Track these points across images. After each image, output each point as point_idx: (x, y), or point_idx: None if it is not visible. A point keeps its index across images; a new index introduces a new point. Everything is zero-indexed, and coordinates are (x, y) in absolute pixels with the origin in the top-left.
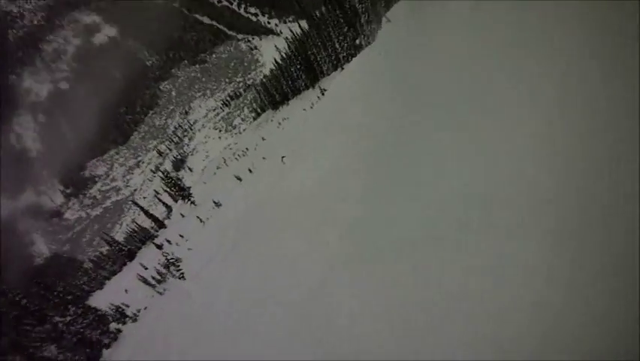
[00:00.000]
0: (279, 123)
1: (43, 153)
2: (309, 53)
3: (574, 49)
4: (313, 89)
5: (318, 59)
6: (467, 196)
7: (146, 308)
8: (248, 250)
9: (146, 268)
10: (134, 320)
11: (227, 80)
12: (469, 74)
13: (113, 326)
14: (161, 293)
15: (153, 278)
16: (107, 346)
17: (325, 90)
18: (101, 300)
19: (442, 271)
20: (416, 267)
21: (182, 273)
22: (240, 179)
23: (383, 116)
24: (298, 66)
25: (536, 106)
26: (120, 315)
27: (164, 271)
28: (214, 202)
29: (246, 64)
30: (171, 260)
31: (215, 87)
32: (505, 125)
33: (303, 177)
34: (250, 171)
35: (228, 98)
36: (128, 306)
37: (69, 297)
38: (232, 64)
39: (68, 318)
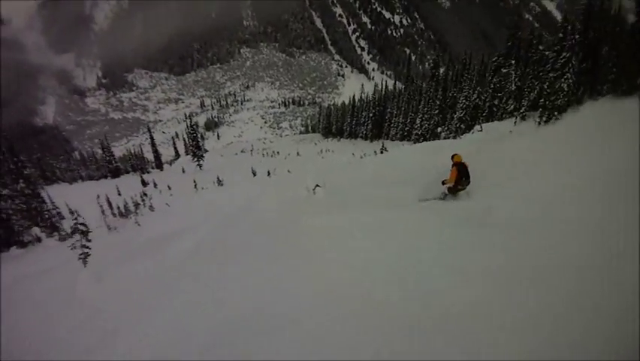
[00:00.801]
0: (320, 151)
1: (106, 33)
2: (389, 111)
3: None
4: (367, 140)
5: (392, 121)
6: None
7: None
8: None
9: (119, 194)
10: (62, 239)
11: (300, 84)
12: None
13: (35, 230)
14: (109, 228)
15: (113, 210)
16: (19, 245)
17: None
18: (56, 194)
19: None
20: None
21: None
22: (254, 173)
23: None
24: (370, 115)
25: None
26: (55, 221)
27: (131, 208)
28: (218, 179)
29: (325, 83)
30: (143, 203)
31: (287, 83)
32: None
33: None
34: (269, 173)
35: (290, 100)
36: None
37: (27, 171)
38: (314, 74)
39: (6, 191)
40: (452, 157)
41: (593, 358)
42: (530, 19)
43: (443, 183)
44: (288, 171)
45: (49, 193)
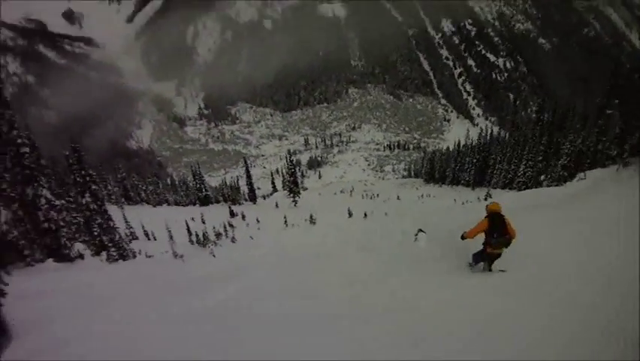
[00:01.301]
0: (421, 196)
1: (210, 65)
2: (492, 157)
3: None
4: (469, 187)
5: (496, 168)
6: None
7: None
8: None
9: (203, 222)
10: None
11: (406, 127)
12: None
13: (79, 246)
14: (175, 256)
15: (192, 237)
16: (59, 258)
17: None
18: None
19: None
20: None
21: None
22: (350, 214)
23: None
24: (474, 161)
25: None
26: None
27: (211, 237)
28: (310, 217)
29: (431, 127)
30: (226, 234)
31: (393, 126)
32: None
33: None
34: (365, 215)
35: (395, 144)
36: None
37: (95, 186)
38: (420, 118)
39: (61, 202)
40: (487, 207)
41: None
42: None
43: (462, 237)
44: (385, 214)
45: (128, 213)
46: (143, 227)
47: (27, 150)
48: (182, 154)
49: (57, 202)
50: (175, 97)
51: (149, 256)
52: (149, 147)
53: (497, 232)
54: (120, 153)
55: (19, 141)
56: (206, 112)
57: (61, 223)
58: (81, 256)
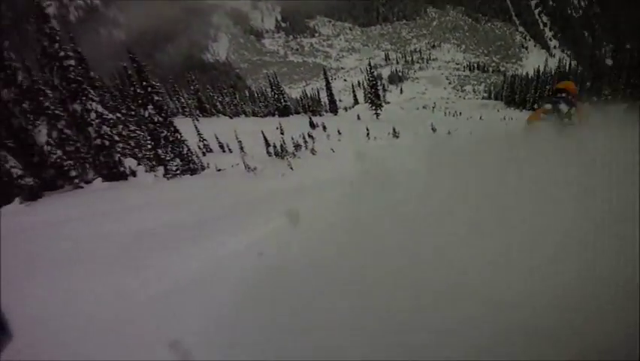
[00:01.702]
0: (503, 118)
1: None
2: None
3: None
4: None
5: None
6: None
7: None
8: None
9: (282, 133)
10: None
11: (485, 50)
12: None
13: (130, 161)
14: (247, 169)
15: (269, 148)
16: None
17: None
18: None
19: None
20: None
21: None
22: (434, 130)
23: None
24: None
25: None
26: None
27: (289, 149)
28: (393, 130)
29: (509, 52)
30: (305, 146)
31: (472, 47)
32: None
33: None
34: (449, 133)
35: (475, 65)
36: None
37: (158, 97)
38: (499, 43)
39: (116, 115)
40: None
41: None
42: None
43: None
44: (470, 133)
45: (203, 126)
46: (217, 138)
47: (72, 62)
48: (260, 66)
49: (110, 116)
50: (251, 10)
51: (220, 170)
52: (226, 59)
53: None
54: (196, 66)
55: (61, 54)
56: (283, 25)
57: (116, 138)
58: (133, 173)
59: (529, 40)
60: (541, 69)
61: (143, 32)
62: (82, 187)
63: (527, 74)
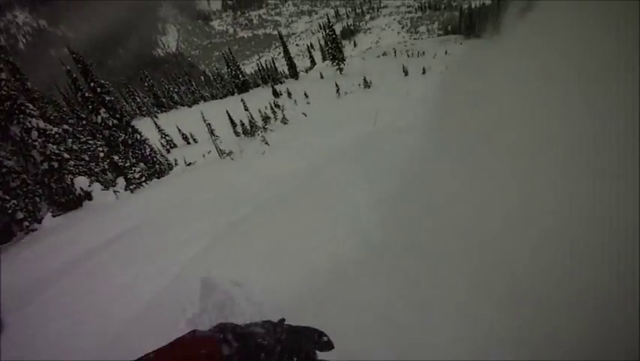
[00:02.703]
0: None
1: None
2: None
3: None
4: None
5: None
6: None
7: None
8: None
9: (246, 109)
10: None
11: None
12: None
13: (81, 180)
14: (221, 154)
15: (236, 128)
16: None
17: None
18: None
19: None
20: None
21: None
22: (406, 72)
23: None
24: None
25: None
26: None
27: (258, 124)
28: (364, 81)
29: None
30: (275, 116)
31: None
32: None
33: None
34: (424, 71)
35: (427, 5)
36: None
37: (110, 97)
38: None
39: (58, 130)
40: None
41: None
42: None
43: None
44: (446, 67)
45: (163, 121)
46: (179, 131)
47: (2, 76)
48: (212, 49)
49: (55, 130)
50: None
51: (190, 164)
52: (177, 49)
53: None
54: (148, 63)
55: None
56: (230, 2)
57: (66, 156)
58: (88, 196)
59: None
60: None
61: (93, 41)
62: (35, 230)
63: (484, 2)
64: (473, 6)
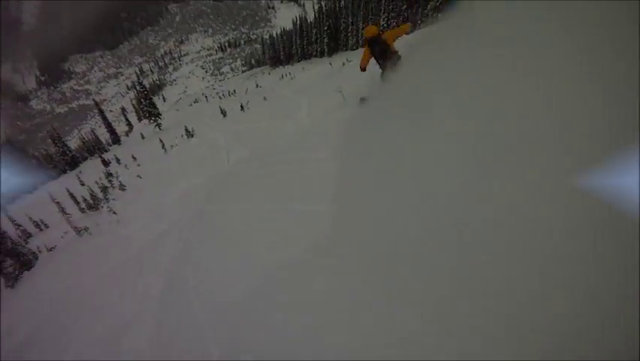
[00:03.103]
0: (281, 76)
1: (36, 29)
2: (342, 21)
3: None
4: (325, 56)
5: (349, 31)
6: None
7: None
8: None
9: (83, 185)
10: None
11: (232, 25)
12: None
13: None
14: (78, 232)
15: (80, 205)
16: None
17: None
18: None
19: None
20: None
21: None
22: (224, 113)
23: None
24: (325, 29)
25: None
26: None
27: (99, 196)
28: (186, 130)
29: (257, 18)
30: (111, 185)
31: (219, 28)
32: None
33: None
34: (242, 108)
35: (226, 44)
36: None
37: None
38: (244, 13)
39: None
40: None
41: None
42: None
43: (361, 69)
44: (264, 99)
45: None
46: (30, 219)
47: None
48: (36, 131)
49: None
50: (13, 75)
51: (51, 249)
52: (5, 138)
53: (381, 57)
54: None
55: None
56: (43, 78)
57: None
58: None
59: None
60: (297, 17)
61: None
62: None
63: (283, 29)
64: (274, 34)
